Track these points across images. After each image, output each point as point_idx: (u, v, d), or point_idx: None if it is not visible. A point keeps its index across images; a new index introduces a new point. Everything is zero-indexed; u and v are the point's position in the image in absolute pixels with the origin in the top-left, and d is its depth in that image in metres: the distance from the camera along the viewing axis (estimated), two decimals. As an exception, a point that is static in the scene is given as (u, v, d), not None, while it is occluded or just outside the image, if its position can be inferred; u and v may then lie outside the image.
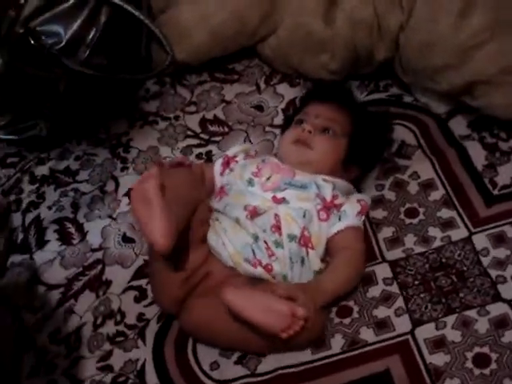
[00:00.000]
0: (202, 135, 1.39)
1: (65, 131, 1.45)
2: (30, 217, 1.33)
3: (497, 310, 0.97)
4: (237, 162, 1.16)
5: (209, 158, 1.34)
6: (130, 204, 1.25)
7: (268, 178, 1.09)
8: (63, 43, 1.28)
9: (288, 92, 1.42)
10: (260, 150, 1.31)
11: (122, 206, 1.30)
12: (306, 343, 0.98)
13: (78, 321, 1.13)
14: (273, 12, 1.36)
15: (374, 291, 1.06)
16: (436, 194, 1.16)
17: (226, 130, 1.39)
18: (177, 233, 0.94)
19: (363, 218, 1.10)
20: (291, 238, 1.02)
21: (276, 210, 1.04)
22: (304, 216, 1.04)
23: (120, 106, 1.48)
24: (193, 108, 1.45)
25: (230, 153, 1.19)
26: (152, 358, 1.05)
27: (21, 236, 1.30)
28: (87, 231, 1.28)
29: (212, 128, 1.40)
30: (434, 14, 1.16)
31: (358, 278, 1.05)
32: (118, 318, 1.12)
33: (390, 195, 1.19)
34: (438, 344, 0.96)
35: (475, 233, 1.09)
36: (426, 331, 0.98)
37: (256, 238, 1.02)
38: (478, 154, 1.20)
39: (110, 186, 1.34)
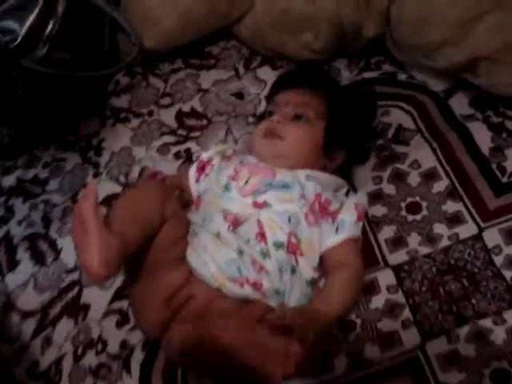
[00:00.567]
0: (180, 131, 1.27)
1: (30, 136, 1.33)
2: (-1, 234, 1.23)
3: (514, 316, 0.88)
4: (212, 165, 1.05)
5: (188, 156, 1.22)
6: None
7: (246, 181, 0.98)
8: (19, 40, 1.16)
9: (270, 76, 1.29)
10: (243, 145, 1.19)
11: (97, 217, 1.19)
12: (307, 372, 0.88)
13: (56, 352, 1.04)
14: (245, -12, 1.21)
15: (378, 301, 0.97)
16: (439, 185, 1.05)
17: (205, 123, 1.26)
18: (122, 258, 0.82)
19: (361, 224, 0.99)
20: (278, 245, 0.91)
21: (258, 216, 0.94)
22: (289, 220, 0.93)
23: (89, 103, 1.36)
24: (167, 100, 1.32)
25: (204, 156, 1.08)
26: (139, 392, 0.96)
27: (-10, 256, 1.20)
28: (61, 248, 1.17)
29: (190, 122, 1.27)
30: (427, -15, 1.03)
31: (359, 295, 0.95)
32: (100, 347, 1.02)
33: (389, 189, 1.08)
34: (452, 360, 0.87)
35: (485, 228, 0.99)
36: (438, 345, 0.89)
37: (240, 253, 0.91)
38: (482, 136, 1.09)
39: (83, 195, 1.23)
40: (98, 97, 1.36)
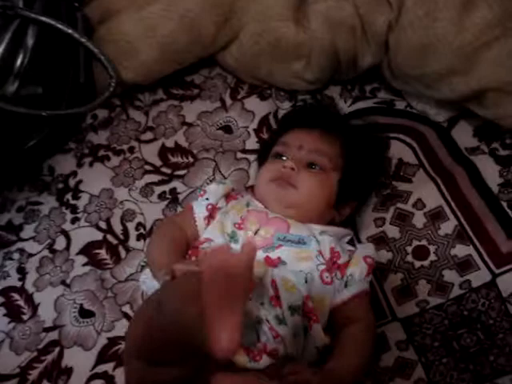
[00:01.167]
0: (164, 169, 1.17)
1: (2, 177, 1.22)
2: (-29, 288, 1.13)
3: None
4: (219, 208, 0.95)
5: (174, 197, 1.13)
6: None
7: (256, 232, 0.89)
8: (-15, 76, 1.06)
9: (259, 107, 1.19)
10: (234, 183, 1.09)
11: (77, 267, 1.10)
12: None
13: (37, 425, 0.95)
14: (231, 16, 1.12)
15: (387, 359, 0.90)
16: (447, 226, 0.98)
17: (191, 160, 1.17)
18: None
19: (371, 277, 0.90)
20: (293, 310, 0.81)
21: (271, 276, 0.82)
22: (306, 281, 0.84)
23: (64, 139, 1.26)
24: (149, 135, 1.23)
25: (212, 199, 0.96)
26: None
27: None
28: (38, 303, 1.08)
29: (174, 159, 1.18)
30: (430, 10, 0.94)
31: (372, 354, 0.87)
32: (85, 419, 0.93)
33: (392, 232, 1.00)
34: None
35: (499, 274, 0.92)
36: (456, 410, 0.81)
37: (259, 321, 0.78)
38: (490, 171, 1.01)
39: (61, 243, 1.13)
40: (73, 132, 1.26)
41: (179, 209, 1.11)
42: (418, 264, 0.96)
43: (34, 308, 1.08)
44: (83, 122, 1.28)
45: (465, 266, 0.94)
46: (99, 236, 1.12)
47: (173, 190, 1.14)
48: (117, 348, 0.99)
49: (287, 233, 0.88)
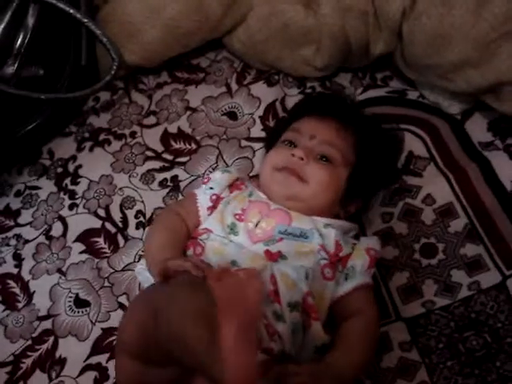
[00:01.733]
0: (165, 155, 1.14)
1: (1, 160, 1.19)
2: (-33, 273, 1.10)
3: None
4: (223, 198, 0.91)
5: (175, 185, 1.10)
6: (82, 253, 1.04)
7: (257, 224, 0.85)
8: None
9: (265, 94, 1.15)
10: (237, 172, 1.05)
11: (73, 255, 1.07)
12: None
13: (29, 415, 0.93)
14: (239, -2, 1.08)
15: (389, 359, 0.87)
16: (457, 224, 0.94)
17: (194, 146, 1.13)
18: None
19: (373, 270, 0.86)
20: (292, 306, 0.77)
21: (271, 270, 0.79)
22: (307, 277, 0.80)
23: (65, 122, 1.23)
24: (152, 119, 1.19)
25: (216, 188, 0.92)
26: None
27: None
28: (34, 291, 1.06)
29: (177, 145, 1.14)
30: (447, -2, 0.90)
31: (375, 350, 0.83)
32: (77, 411, 0.91)
33: (400, 227, 0.96)
34: None
35: (510, 276, 0.88)
36: (459, 417, 0.78)
37: None
38: (504, 167, 0.97)
39: (57, 230, 1.10)
40: (74, 115, 1.23)
41: (180, 197, 1.08)
42: (425, 262, 0.92)
43: (29, 296, 1.05)
44: (85, 105, 1.24)
45: (474, 266, 0.90)
46: (97, 223, 1.09)
47: (174, 178, 1.11)
48: (111, 339, 0.97)
49: (289, 225, 0.85)
